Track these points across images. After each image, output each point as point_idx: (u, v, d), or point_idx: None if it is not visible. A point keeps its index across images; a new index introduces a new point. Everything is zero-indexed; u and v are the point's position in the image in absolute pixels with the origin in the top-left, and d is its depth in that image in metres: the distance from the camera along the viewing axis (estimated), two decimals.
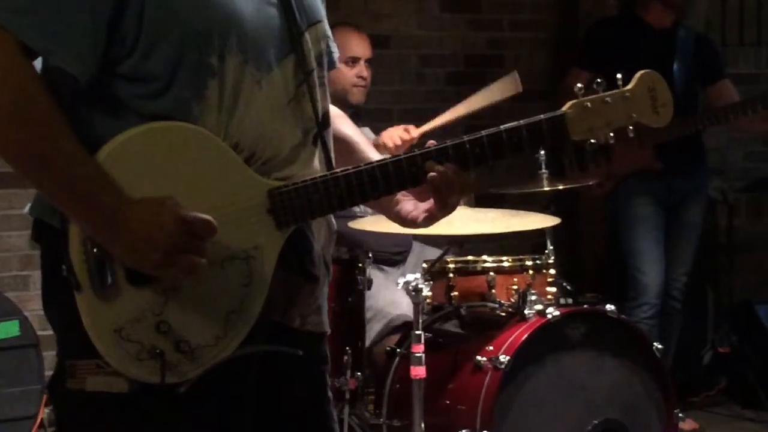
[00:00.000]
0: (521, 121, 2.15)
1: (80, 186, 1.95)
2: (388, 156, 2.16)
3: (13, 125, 1.93)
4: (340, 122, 2.37)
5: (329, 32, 2.28)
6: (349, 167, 2.12)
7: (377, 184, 2.11)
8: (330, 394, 2.33)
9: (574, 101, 2.16)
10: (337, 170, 2.12)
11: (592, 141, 2.17)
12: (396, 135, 4.55)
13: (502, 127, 2.14)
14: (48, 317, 2.14)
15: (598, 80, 2.17)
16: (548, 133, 2.15)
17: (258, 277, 2.07)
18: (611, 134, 2.17)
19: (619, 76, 2.18)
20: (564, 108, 2.16)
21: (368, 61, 4.87)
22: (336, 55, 2.33)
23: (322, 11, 2.25)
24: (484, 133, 2.13)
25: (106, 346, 2.00)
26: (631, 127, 2.19)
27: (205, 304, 2.04)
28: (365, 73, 4.84)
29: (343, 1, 5.99)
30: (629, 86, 2.18)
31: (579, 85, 2.17)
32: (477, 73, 6.40)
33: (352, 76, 4.79)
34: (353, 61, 4.81)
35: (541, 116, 2.15)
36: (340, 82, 4.73)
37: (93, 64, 1.98)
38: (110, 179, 1.96)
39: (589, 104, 2.16)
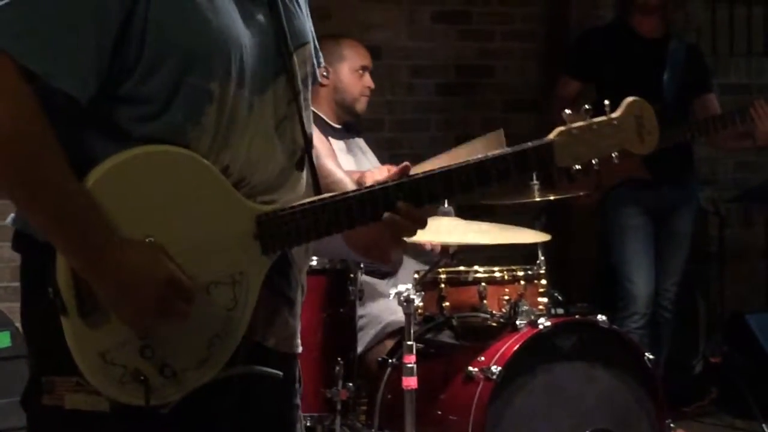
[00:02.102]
0: (507, 150, 2.13)
1: (69, 222, 1.93)
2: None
3: (6, 154, 1.91)
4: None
5: (315, 48, 2.28)
6: (336, 193, 2.11)
7: (365, 210, 2.09)
8: (300, 413, 2.30)
9: (562, 129, 2.14)
10: (324, 196, 2.10)
11: (577, 167, 2.16)
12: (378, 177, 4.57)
13: (489, 155, 2.12)
14: (25, 330, 2.12)
15: (586, 107, 2.16)
16: (535, 161, 2.14)
17: (243, 302, 2.07)
18: (595, 161, 2.17)
19: (606, 102, 2.17)
20: (552, 135, 2.14)
21: (370, 73, 4.91)
22: (322, 65, 2.33)
23: (309, 33, 2.25)
24: (471, 161, 2.12)
25: (90, 368, 1.99)
26: (615, 154, 2.18)
27: (190, 328, 2.02)
28: (372, 83, 4.88)
29: (333, 12, 6.00)
30: (617, 114, 2.16)
31: (567, 111, 2.15)
32: (468, 84, 6.42)
33: (362, 86, 4.83)
34: (363, 69, 4.85)
35: (529, 144, 2.14)
36: (349, 92, 4.79)
37: (95, 86, 1.96)
38: (100, 216, 1.94)
39: (576, 132, 2.14)
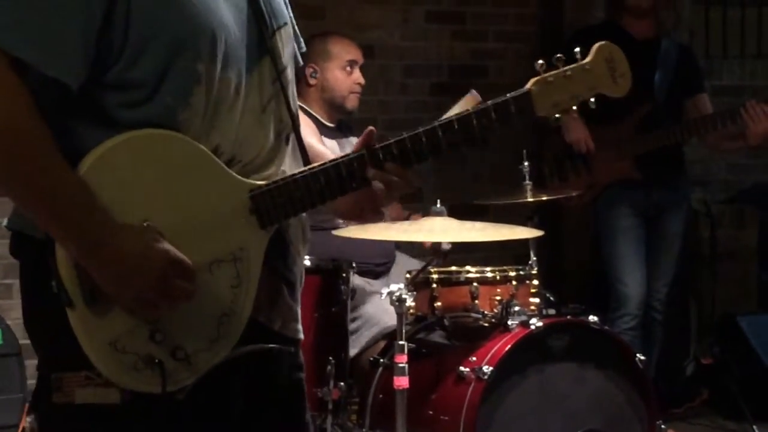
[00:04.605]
0: (489, 102, 2.20)
1: (66, 212, 1.94)
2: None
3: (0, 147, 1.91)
4: None
5: (295, 31, 2.32)
6: (326, 161, 2.14)
7: (355, 176, 2.14)
8: (306, 403, 2.32)
9: (537, 78, 2.21)
10: (314, 165, 2.14)
11: (557, 116, 2.22)
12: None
13: (470, 109, 2.19)
14: (29, 331, 2.12)
15: (558, 55, 2.23)
16: (516, 111, 2.20)
17: (246, 278, 2.09)
18: (575, 107, 2.23)
19: (577, 50, 2.24)
20: (528, 85, 2.21)
21: (360, 68, 4.86)
22: (303, 49, 2.37)
23: (287, 14, 2.28)
24: (455, 117, 2.18)
25: (102, 359, 1.99)
26: (592, 99, 2.23)
27: (198, 309, 2.04)
28: (362, 79, 4.83)
29: (327, 11, 6.00)
30: (588, 59, 2.24)
31: (540, 61, 2.23)
32: (461, 84, 6.41)
33: (351, 82, 4.78)
34: (351, 65, 4.80)
35: (507, 95, 2.21)
36: (338, 89, 4.75)
37: (84, 73, 1.97)
38: (96, 203, 1.95)
39: (551, 79, 2.21)
